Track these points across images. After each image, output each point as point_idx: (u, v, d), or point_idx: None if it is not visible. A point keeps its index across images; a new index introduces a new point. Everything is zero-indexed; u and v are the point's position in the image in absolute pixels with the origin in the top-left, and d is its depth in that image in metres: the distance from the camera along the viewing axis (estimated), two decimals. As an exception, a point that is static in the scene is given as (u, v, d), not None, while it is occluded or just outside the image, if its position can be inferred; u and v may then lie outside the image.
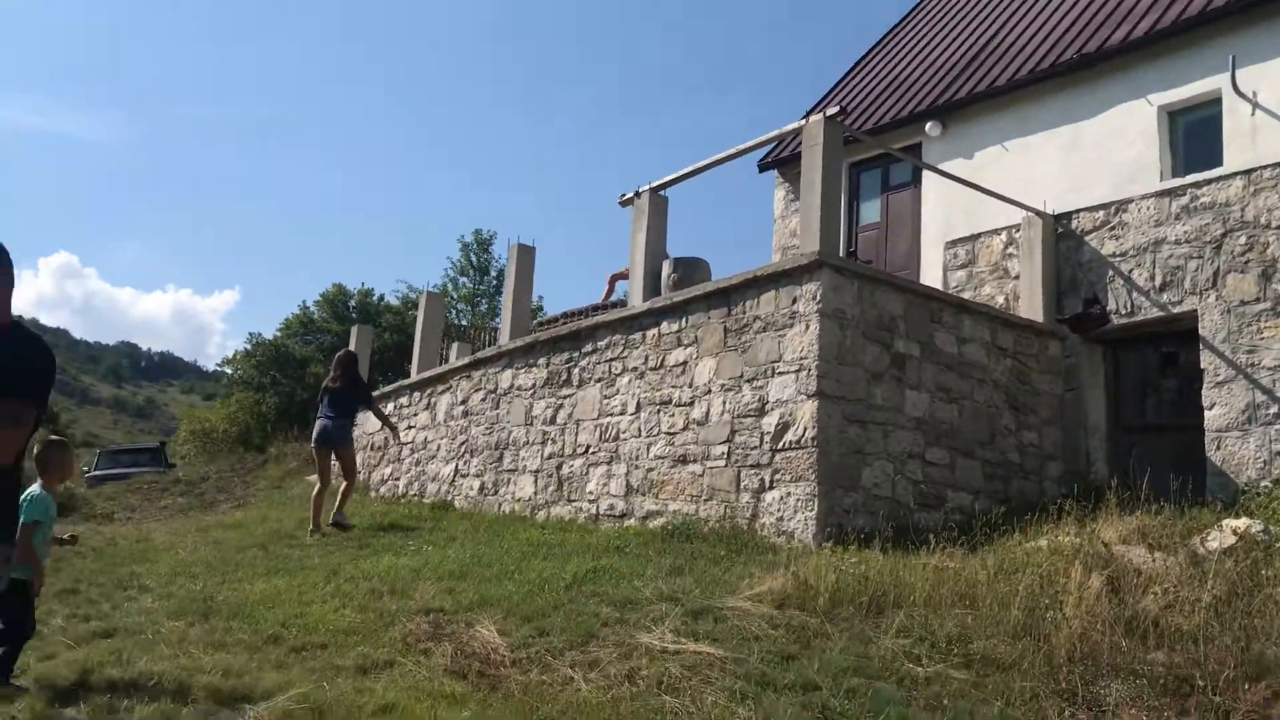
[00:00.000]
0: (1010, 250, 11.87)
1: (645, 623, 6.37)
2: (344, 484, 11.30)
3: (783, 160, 14.36)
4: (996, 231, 12.03)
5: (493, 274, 31.09)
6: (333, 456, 11.34)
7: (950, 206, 12.50)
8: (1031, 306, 11.24)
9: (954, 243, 12.47)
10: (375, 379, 18.00)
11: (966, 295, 11.62)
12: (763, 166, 14.67)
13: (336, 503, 11.02)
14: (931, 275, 12.40)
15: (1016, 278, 11.68)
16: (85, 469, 24.19)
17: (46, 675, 5.69)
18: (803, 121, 9.51)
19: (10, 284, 3.59)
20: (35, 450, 6.32)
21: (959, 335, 9.91)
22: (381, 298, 30.37)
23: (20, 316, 3.74)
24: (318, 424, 11.32)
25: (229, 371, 31.05)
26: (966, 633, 5.85)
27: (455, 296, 31.13)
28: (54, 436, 6.86)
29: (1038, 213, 11.39)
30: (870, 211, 13.67)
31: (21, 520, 5.65)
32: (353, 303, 29.91)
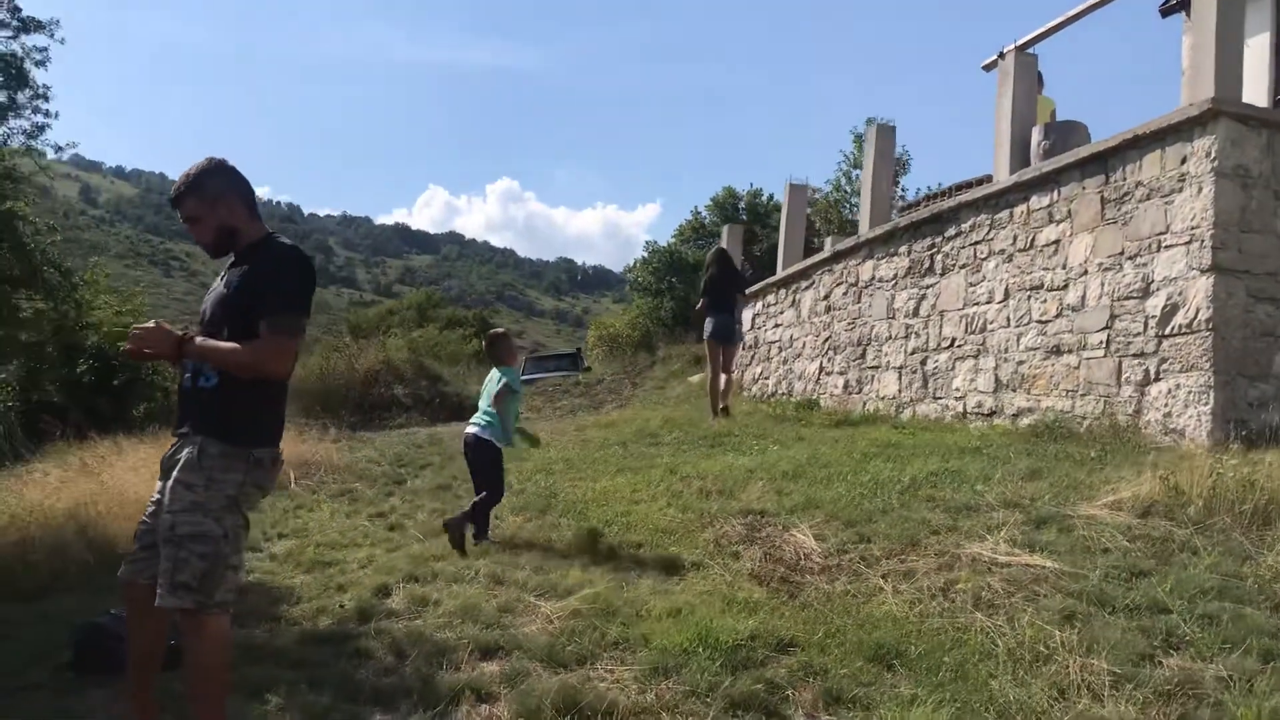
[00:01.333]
0: None
1: (979, 531, 5.75)
2: (726, 377, 11.67)
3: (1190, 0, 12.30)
4: None
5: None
6: (720, 351, 11.72)
7: None
8: None
9: None
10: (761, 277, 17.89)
11: None
12: (1165, 11, 12.69)
13: (723, 399, 11.51)
14: (1385, 119, 10.14)
15: None
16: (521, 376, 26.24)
17: (387, 566, 6.10)
18: (1191, -56, 7.97)
19: (243, 199, 3.65)
20: (484, 345, 7.59)
21: None
22: (770, 197, 30.16)
23: (274, 233, 3.79)
24: (709, 322, 11.67)
25: (630, 279, 32.48)
26: (1377, 553, 4.71)
27: (850, 190, 30.26)
28: (496, 329, 8.04)
29: None
30: (1304, 48, 11.40)
31: (501, 388, 6.89)
32: (741, 204, 30.00)
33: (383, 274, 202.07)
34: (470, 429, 6.91)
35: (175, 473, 3.46)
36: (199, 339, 3.45)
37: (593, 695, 3.98)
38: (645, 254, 30.38)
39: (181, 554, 3.35)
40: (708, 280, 11.83)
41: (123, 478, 9.39)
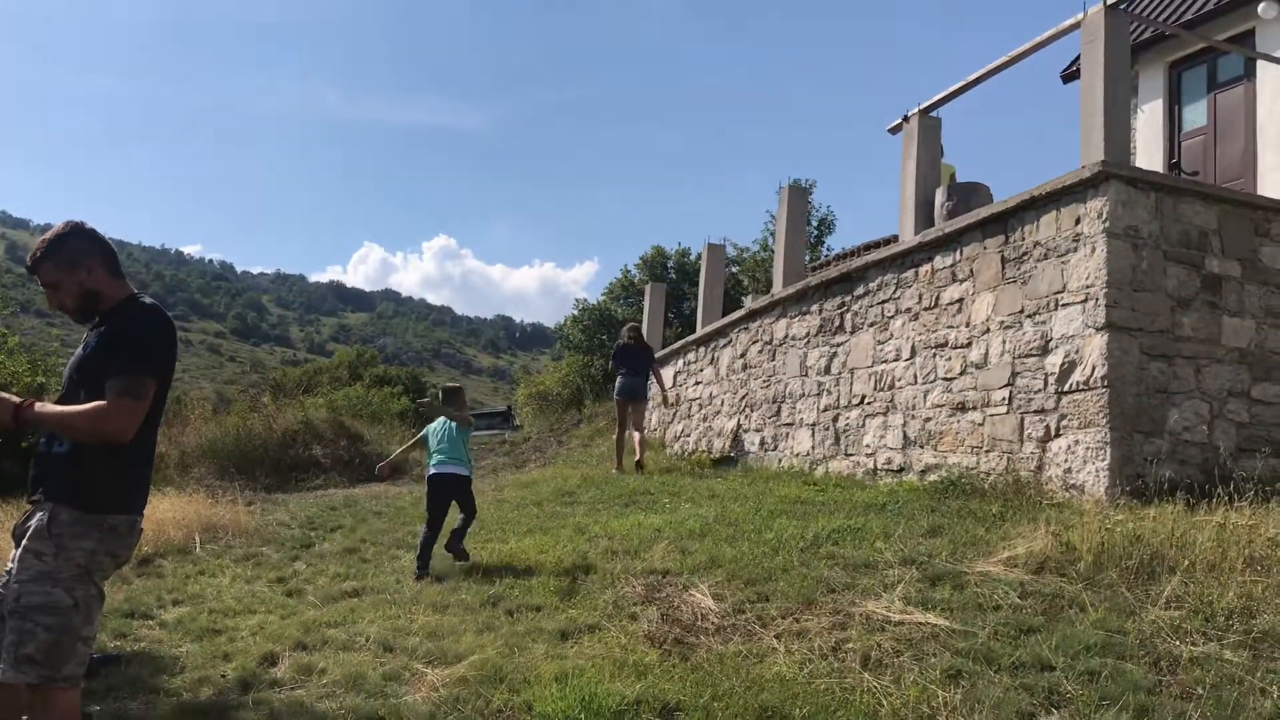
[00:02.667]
0: (1375, 143, 9.84)
1: (875, 589, 5.77)
2: (638, 435, 12.45)
3: (1092, 68, 12.73)
4: (1357, 122, 10.02)
5: (813, 224, 30.28)
6: (629, 408, 12.78)
7: (1296, 99, 10.55)
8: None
9: (1303, 141, 10.53)
10: (679, 335, 18.13)
11: (1317, 201, 9.74)
12: (1066, 78, 13.10)
13: (637, 454, 12.21)
14: (1272, 182, 10.54)
15: (1384, 175, 9.66)
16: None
17: (277, 633, 5.95)
18: (1079, 16, 8.26)
19: (104, 261, 3.56)
20: (439, 395, 8.57)
21: (1295, 248, 8.29)
22: (699, 256, 30.26)
23: (138, 293, 3.71)
24: (620, 381, 12.88)
25: (561, 336, 32.36)
26: (1252, 605, 4.80)
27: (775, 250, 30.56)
28: (450, 384, 9.12)
29: None
30: (1195, 115, 11.81)
31: (466, 439, 8.13)
32: (670, 263, 30.15)
33: (316, 332, 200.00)
34: (449, 468, 7.86)
35: (25, 540, 3.35)
36: (38, 405, 3.34)
37: (468, 765, 3.89)
38: (576, 311, 30.41)
39: (27, 626, 3.23)
40: (621, 348, 13.01)
41: (16, 544, 9.09)
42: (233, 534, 9.57)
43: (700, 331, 13.87)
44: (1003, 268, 8.54)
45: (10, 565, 3.43)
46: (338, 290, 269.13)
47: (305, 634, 5.82)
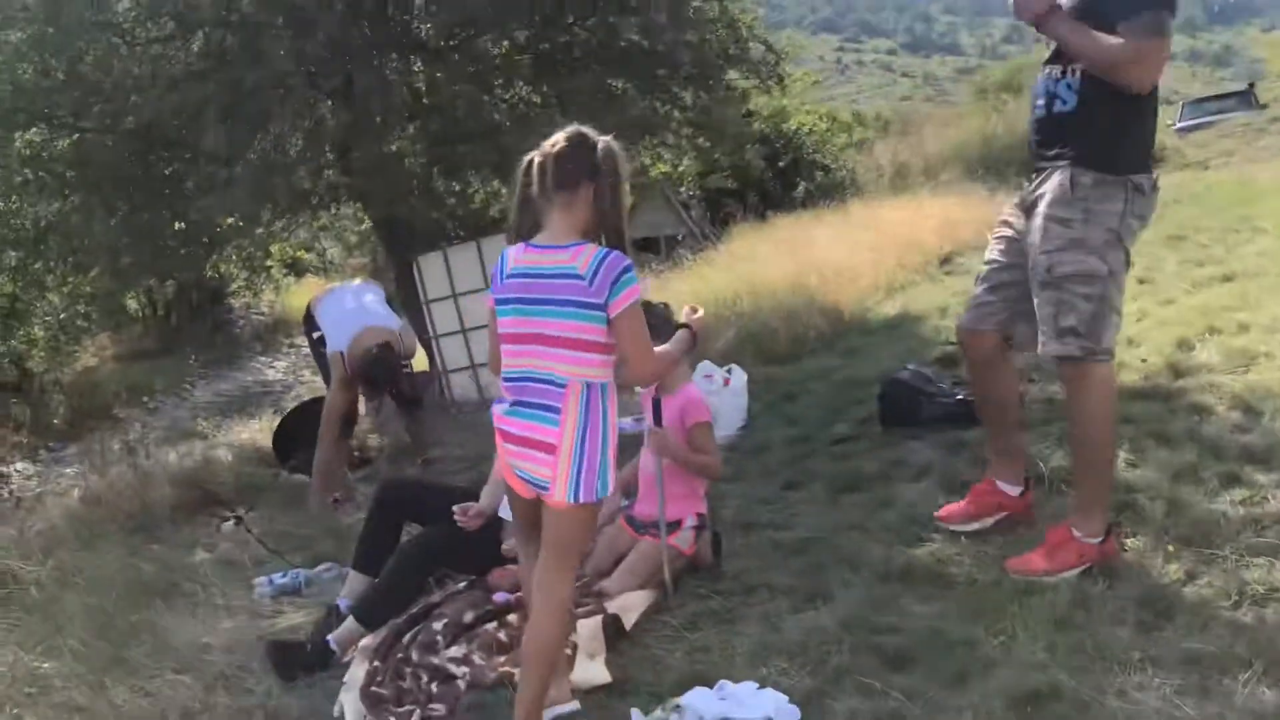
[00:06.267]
0: None
1: None
2: None
3: None
4: None
5: None
6: None
7: None
8: None
9: None
10: None
11: None
12: None
13: None
14: None
15: None
16: (1169, 123, 23.12)
17: (1176, 320, 5.51)
18: None
19: None
20: None
21: None
22: None
23: None
24: None
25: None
26: None
27: None
28: None
29: None
30: None
31: None
32: None
33: (988, 35, 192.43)
34: None
35: (1043, 208, 3.14)
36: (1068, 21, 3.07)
37: None
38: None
39: (1064, 296, 3.07)
40: None
41: (821, 252, 9.63)
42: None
43: None
44: None
45: (1029, 236, 3.22)
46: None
47: (1206, 319, 5.31)
